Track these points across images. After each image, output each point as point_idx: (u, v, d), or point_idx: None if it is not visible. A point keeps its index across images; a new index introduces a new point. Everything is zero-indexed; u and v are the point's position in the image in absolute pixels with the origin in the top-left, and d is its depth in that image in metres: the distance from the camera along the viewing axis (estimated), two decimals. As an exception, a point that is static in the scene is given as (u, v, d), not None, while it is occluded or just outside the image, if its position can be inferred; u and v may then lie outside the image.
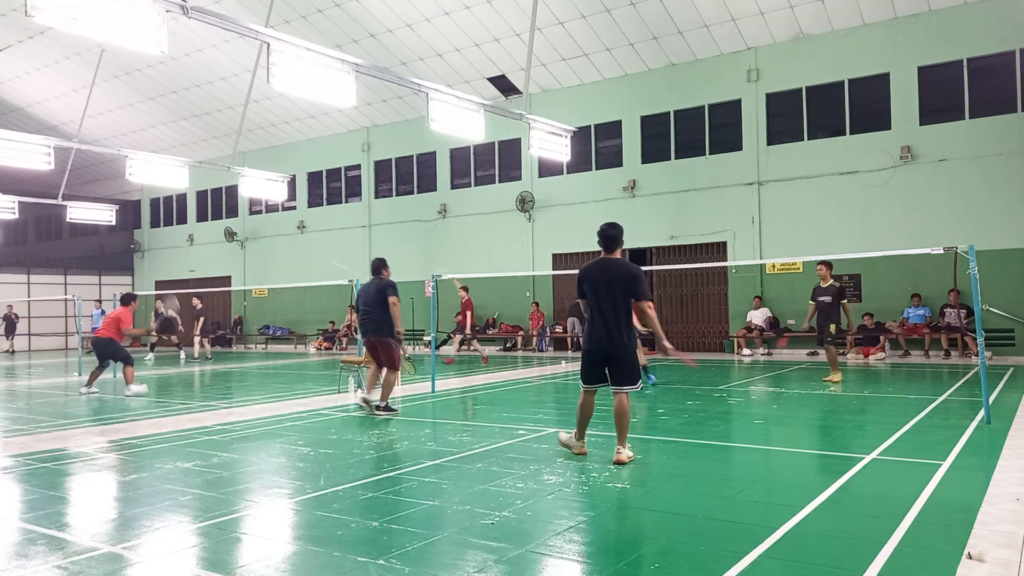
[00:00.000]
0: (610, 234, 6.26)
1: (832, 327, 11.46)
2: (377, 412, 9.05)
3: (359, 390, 11.80)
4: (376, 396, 9.36)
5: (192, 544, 4.36)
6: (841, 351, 17.07)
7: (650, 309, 6.13)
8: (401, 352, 9.61)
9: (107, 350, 12.28)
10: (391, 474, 5.97)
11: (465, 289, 18.12)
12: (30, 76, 25.04)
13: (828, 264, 11.70)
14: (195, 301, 21.48)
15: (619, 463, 6.04)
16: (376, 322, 9.24)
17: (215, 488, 5.63)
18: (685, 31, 18.01)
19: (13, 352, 26.81)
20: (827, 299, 11.48)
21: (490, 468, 6.10)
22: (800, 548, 4.04)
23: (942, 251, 8.25)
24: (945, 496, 4.95)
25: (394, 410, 9.18)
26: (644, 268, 18.05)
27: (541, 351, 20.79)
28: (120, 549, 4.24)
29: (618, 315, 6.10)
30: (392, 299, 9.18)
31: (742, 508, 4.83)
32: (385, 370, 9.35)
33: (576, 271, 6.48)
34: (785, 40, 17.77)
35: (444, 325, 21.99)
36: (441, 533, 4.41)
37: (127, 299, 12.71)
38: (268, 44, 9.36)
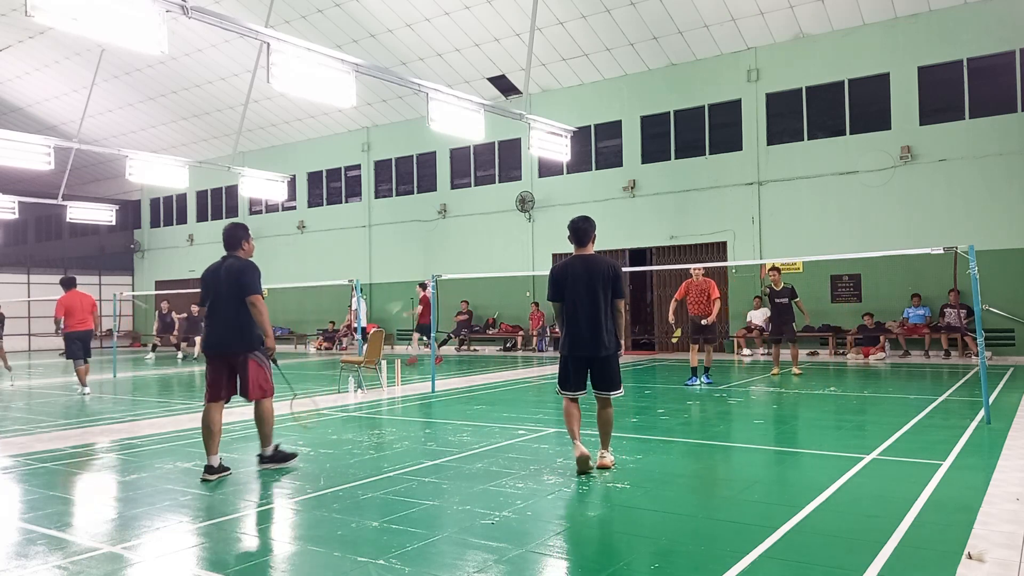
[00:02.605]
0: (582, 227, 5.90)
1: (793, 324, 13.02)
2: (264, 465, 6.21)
3: (359, 390, 11.82)
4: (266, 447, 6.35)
5: (192, 544, 4.36)
6: (841, 351, 17.16)
7: (622, 306, 5.86)
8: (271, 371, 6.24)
9: (89, 343, 12.25)
10: (391, 474, 5.97)
11: (422, 287, 17.85)
12: (30, 76, 25.04)
13: (779, 269, 13.24)
14: (194, 308, 21.50)
15: (603, 467, 5.83)
16: (230, 328, 6.01)
17: (215, 488, 5.63)
18: (685, 31, 18.01)
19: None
20: (784, 300, 12.88)
21: (490, 468, 6.09)
22: (800, 548, 4.04)
23: (942, 251, 8.26)
24: (945, 496, 4.95)
25: (291, 455, 6.35)
26: (644, 268, 18.06)
27: (541, 351, 20.79)
28: (120, 549, 4.24)
29: (604, 315, 5.72)
30: (252, 298, 5.96)
31: (742, 508, 4.83)
32: (255, 402, 6.14)
33: (573, 257, 6.05)
34: (785, 40, 17.77)
35: (444, 325, 22.00)
36: (441, 533, 4.41)
37: (70, 283, 12.43)
38: (268, 44, 9.36)
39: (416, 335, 17.78)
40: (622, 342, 5.96)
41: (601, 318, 5.72)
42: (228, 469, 6.12)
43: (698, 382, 11.85)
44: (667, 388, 11.70)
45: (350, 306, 23.47)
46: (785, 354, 14.62)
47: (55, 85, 25.24)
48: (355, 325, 17.94)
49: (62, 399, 11.92)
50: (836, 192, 17.28)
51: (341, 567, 3.88)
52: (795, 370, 13.01)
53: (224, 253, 6.28)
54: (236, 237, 6.24)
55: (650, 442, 7.16)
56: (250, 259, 6.26)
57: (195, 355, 21.58)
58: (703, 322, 11.84)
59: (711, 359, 12.10)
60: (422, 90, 11.85)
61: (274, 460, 6.23)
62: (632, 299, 20.84)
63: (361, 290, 17.83)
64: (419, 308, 17.34)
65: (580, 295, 5.73)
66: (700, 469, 6.16)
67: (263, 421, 6.18)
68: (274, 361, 6.24)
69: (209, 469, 5.96)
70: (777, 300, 12.89)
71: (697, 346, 12.16)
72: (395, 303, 17.34)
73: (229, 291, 6.00)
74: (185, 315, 21.99)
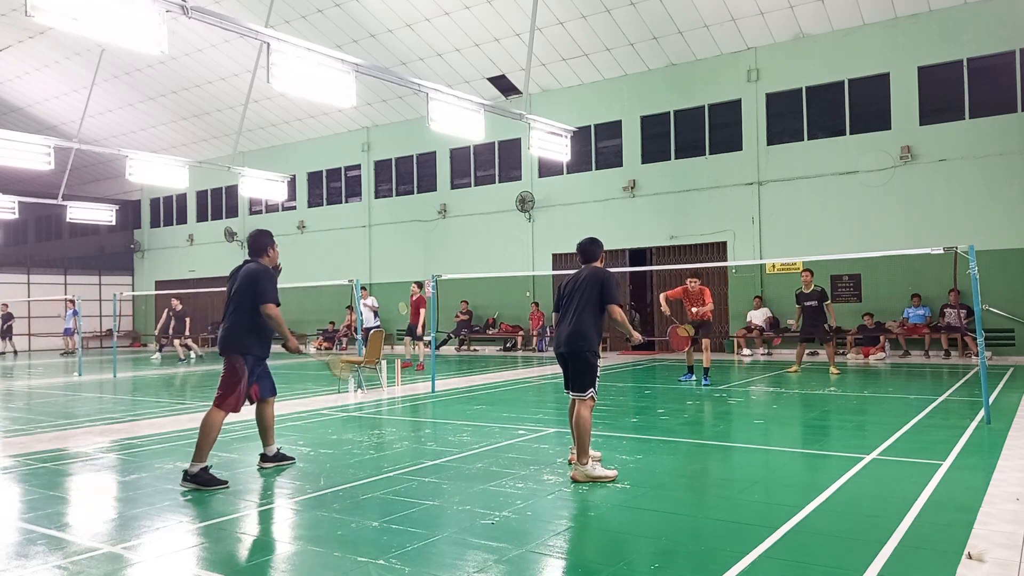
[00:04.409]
0: (588, 248, 6.14)
1: (826, 326, 13.05)
2: (185, 483, 5.63)
3: (359, 390, 11.83)
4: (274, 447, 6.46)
5: (192, 544, 4.36)
6: (841, 351, 17.16)
7: (615, 313, 5.84)
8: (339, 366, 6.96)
9: None
10: (391, 474, 5.97)
11: (419, 285, 17.07)
12: (30, 76, 25.04)
13: (811, 271, 13.30)
14: (174, 303, 20.77)
15: (574, 480, 5.56)
16: (226, 328, 6.05)
17: (216, 488, 5.62)
18: (685, 31, 18.01)
19: (16, 353, 26.65)
20: (814, 303, 12.99)
21: (490, 468, 6.10)
22: (800, 548, 4.04)
23: (942, 251, 8.25)
24: (945, 496, 4.96)
25: (221, 482, 5.65)
26: (644, 268, 18.02)
27: (541, 351, 20.79)
28: (120, 549, 4.24)
29: (576, 314, 5.83)
30: (265, 307, 5.98)
31: (742, 508, 4.83)
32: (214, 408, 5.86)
33: (575, 271, 6.36)
34: (785, 40, 17.76)
35: (444, 325, 22.01)
36: (441, 533, 4.41)
37: None
38: (268, 44, 9.35)
39: (408, 338, 17.06)
40: (632, 334, 6.10)
41: (573, 318, 5.86)
42: (290, 458, 6.50)
43: (693, 378, 12.29)
44: (667, 388, 11.70)
45: (349, 307, 23.46)
46: (815, 355, 14.91)
47: (55, 85, 25.24)
48: (355, 325, 17.65)
49: (62, 399, 11.92)
50: (836, 192, 17.28)
51: (341, 567, 3.88)
52: (833, 370, 13.10)
53: (246, 257, 6.36)
54: (262, 244, 6.32)
55: (650, 442, 7.16)
56: (263, 265, 6.21)
57: (200, 354, 21.37)
58: (694, 310, 12.18)
59: (709, 359, 12.13)
60: (422, 90, 11.85)
61: (197, 480, 5.58)
62: (632, 299, 20.84)
63: (364, 290, 17.66)
64: (419, 310, 16.68)
65: (564, 299, 6.04)
66: (700, 469, 6.16)
67: (203, 430, 5.73)
68: (301, 352, 6.38)
69: (264, 457, 6.37)
70: (806, 303, 13.08)
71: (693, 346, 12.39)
72: (401, 304, 16.92)
73: (239, 294, 6.04)
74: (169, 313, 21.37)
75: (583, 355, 5.77)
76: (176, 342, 20.46)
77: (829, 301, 13.38)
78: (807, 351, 17.27)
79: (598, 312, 5.84)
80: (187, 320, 20.74)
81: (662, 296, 12.59)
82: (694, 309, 12.21)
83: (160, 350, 22.31)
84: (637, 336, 6.15)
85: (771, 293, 18.18)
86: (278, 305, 6.09)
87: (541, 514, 4.79)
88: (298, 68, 9.67)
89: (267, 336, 6.17)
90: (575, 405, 5.90)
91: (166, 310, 20.93)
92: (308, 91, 10.10)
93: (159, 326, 21.02)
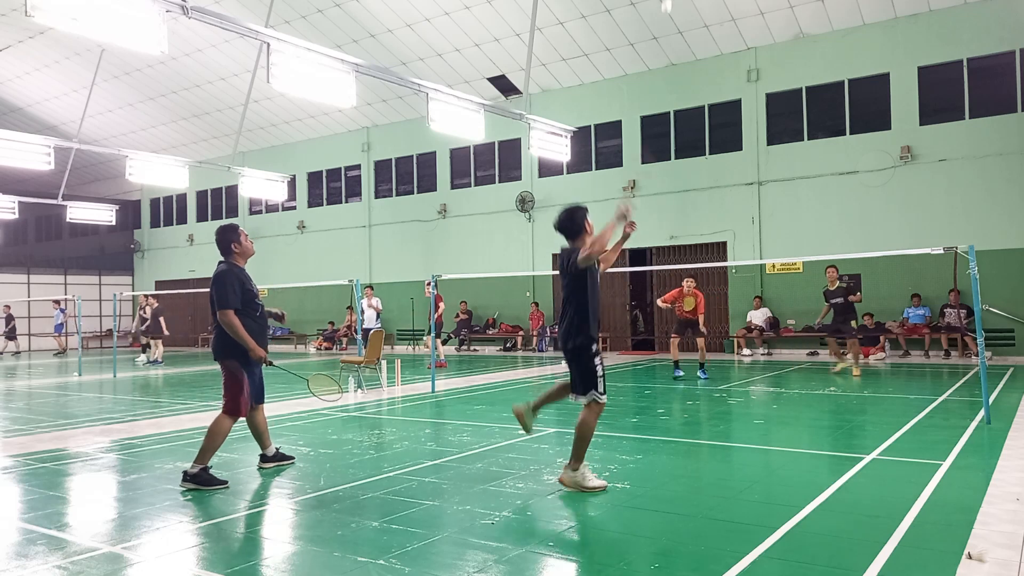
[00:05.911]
0: (563, 225, 5.47)
1: (853, 323, 13.00)
2: (184, 483, 5.64)
3: (359, 390, 11.83)
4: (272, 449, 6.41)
5: (192, 544, 4.36)
6: (842, 350, 17.12)
7: (587, 246, 5.16)
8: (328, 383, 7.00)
9: None
10: (391, 474, 5.97)
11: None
12: (30, 76, 25.04)
13: (836, 267, 13.06)
14: (151, 300, 20.23)
15: (560, 483, 5.37)
16: (213, 334, 6.02)
17: (216, 489, 5.62)
18: (685, 31, 18.01)
19: (18, 352, 26.59)
20: (840, 300, 12.81)
21: (490, 468, 6.10)
22: (800, 548, 4.04)
23: (942, 251, 8.25)
24: (945, 496, 4.95)
25: (222, 482, 5.66)
26: (644, 268, 18.03)
27: (541, 351, 20.79)
28: (120, 549, 4.24)
29: (565, 306, 5.41)
30: (220, 313, 5.77)
31: (742, 508, 4.83)
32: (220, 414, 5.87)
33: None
34: (785, 40, 17.77)
35: (443, 325, 21.98)
36: (441, 533, 4.41)
37: None
38: (268, 44, 9.36)
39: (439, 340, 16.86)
40: (613, 220, 5.30)
41: (566, 311, 5.42)
42: (290, 457, 6.51)
43: (682, 373, 12.77)
44: (667, 388, 11.70)
45: (349, 307, 23.47)
46: (815, 355, 15.00)
47: (55, 85, 25.24)
48: (356, 325, 17.52)
49: (62, 399, 11.92)
50: (836, 192, 17.29)
51: (341, 567, 3.88)
52: (855, 370, 12.81)
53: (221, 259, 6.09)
54: (226, 241, 6.01)
55: (650, 442, 7.16)
56: (229, 266, 5.93)
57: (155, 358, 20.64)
58: (686, 310, 12.65)
59: (705, 353, 12.55)
60: (422, 90, 11.85)
61: (196, 480, 5.60)
62: (632, 299, 20.83)
63: (369, 288, 17.52)
64: (441, 307, 16.13)
65: (562, 289, 5.57)
66: (700, 469, 6.16)
67: (210, 434, 5.75)
68: (271, 364, 6.02)
69: (264, 458, 6.34)
70: (833, 300, 12.86)
71: (679, 338, 13.04)
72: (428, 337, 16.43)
73: (213, 300, 5.88)
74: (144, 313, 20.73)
75: (578, 352, 5.36)
76: (149, 341, 19.89)
77: (856, 293, 13.19)
78: (806, 352, 17.41)
79: (580, 295, 5.30)
80: (141, 319, 19.87)
81: (659, 302, 13.03)
82: (687, 309, 12.62)
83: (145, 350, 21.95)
84: (622, 208, 5.27)
85: (771, 293, 18.19)
86: (238, 310, 5.79)
87: (541, 514, 4.79)
88: (298, 68, 9.67)
89: (256, 337, 5.90)
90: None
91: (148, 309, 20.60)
92: (308, 91, 10.11)
93: (145, 326, 20.64)
